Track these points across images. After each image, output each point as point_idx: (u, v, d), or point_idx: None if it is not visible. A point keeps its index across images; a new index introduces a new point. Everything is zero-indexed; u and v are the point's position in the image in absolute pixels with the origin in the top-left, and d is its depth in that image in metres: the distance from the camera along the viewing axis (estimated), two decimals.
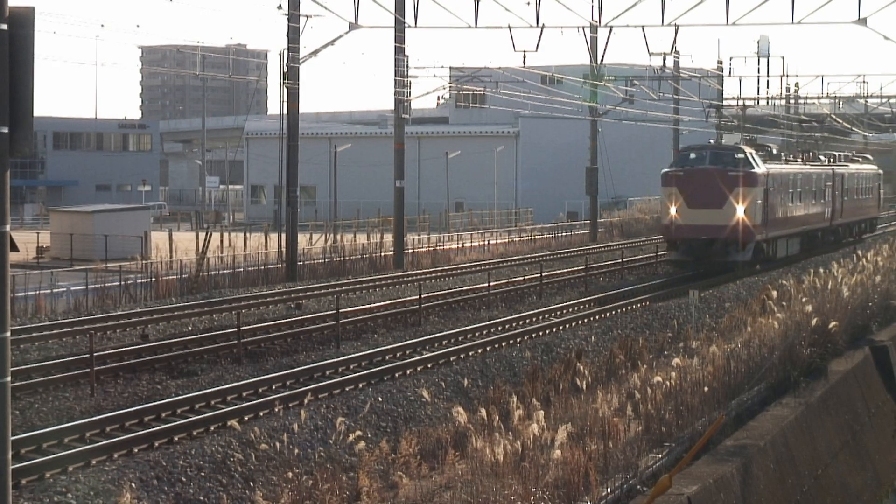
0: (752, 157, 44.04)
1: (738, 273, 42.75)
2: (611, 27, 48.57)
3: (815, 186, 53.25)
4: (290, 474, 16.07)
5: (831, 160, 60.72)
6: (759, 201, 43.62)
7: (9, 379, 9.80)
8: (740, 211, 42.69)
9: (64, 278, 43.52)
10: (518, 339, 27.98)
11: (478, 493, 15.05)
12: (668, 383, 21.17)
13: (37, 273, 43.76)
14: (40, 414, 19.99)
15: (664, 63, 66.97)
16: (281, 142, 51.59)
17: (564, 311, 33.37)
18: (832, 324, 28.66)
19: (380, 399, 21.14)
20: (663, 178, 44.39)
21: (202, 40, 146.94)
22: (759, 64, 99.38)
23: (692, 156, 44.58)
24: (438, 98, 71.07)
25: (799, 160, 54.34)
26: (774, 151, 49.36)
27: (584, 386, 21.92)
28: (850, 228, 63.37)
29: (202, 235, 48.25)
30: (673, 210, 43.38)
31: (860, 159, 69.00)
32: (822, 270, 37.96)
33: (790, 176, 48.76)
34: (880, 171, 72.36)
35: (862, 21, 42.86)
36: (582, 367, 23.11)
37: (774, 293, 33.73)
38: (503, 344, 27.05)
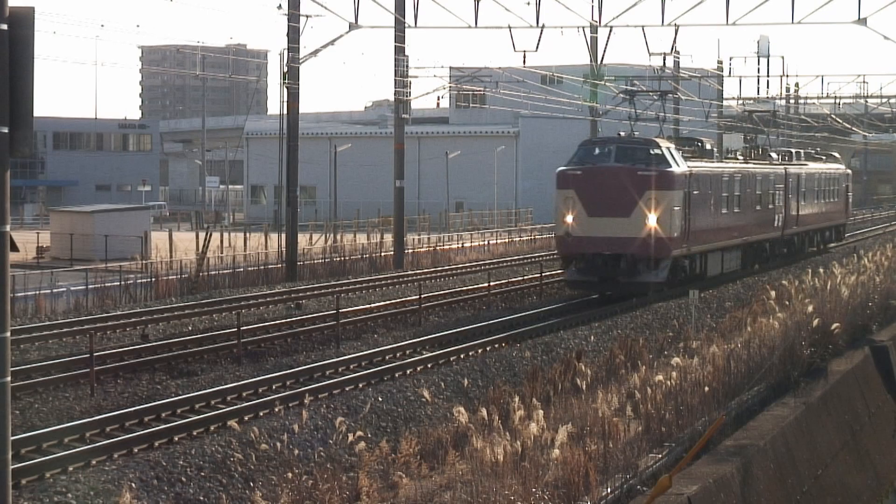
0: (671, 154, 36.21)
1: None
2: (611, 27, 48.58)
3: (761, 189, 45.53)
4: (289, 474, 16.07)
5: (786, 158, 52.72)
6: (677, 207, 35.53)
7: (9, 379, 9.79)
8: (652, 220, 34.52)
9: (64, 278, 43.52)
10: (518, 339, 27.97)
11: (478, 493, 15.05)
12: (668, 383, 21.18)
13: (37, 273, 43.78)
14: (40, 414, 19.99)
15: (664, 63, 67.05)
16: (281, 142, 51.62)
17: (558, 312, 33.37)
18: (834, 325, 28.66)
19: (380, 399, 21.13)
20: (558, 179, 36.08)
21: (202, 40, 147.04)
22: (759, 64, 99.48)
23: (595, 151, 36.26)
24: (438, 98, 70.98)
25: (739, 158, 46.81)
26: (708, 147, 41.99)
27: (584, 386, 21.91)
28: (809, 238, 55.51)
29: (202, 235, 48.25)
30: (569, 218, 35.20)
31: (823, 157, 61.07)
32: (822, 270, 37.95)
33: (722, 176, 40.86)
34: (848, 172, 63.75)
35: (862, 21, 42.85)
36: (583, 367, 23.10)
37: (774, 293, 33.74)
38: (503, 344, 27.03)
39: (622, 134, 37.18)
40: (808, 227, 53.96)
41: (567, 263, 36.02)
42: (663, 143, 36.58)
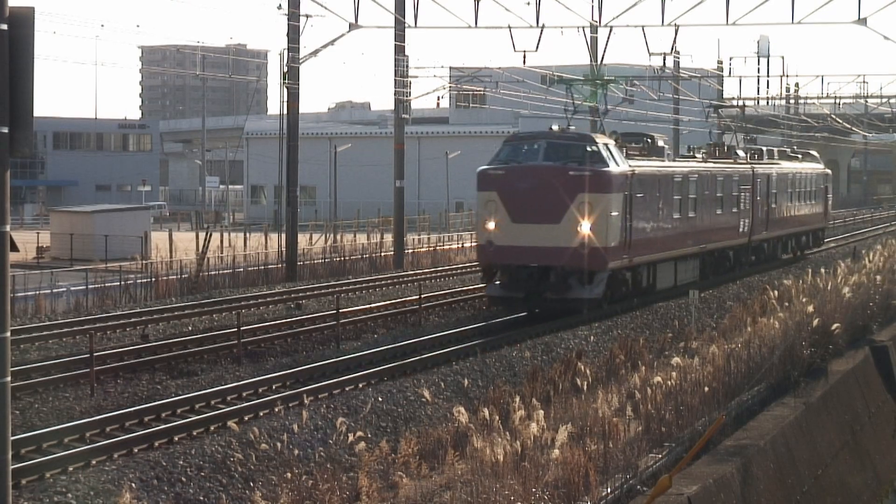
0: (609, 151, 31.73)
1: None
2: (611, 27, 48.60)
3: (723, 191, 41.04)
4: (289, 474, 16.07)
5: (756, 157, 48.15)
6: (615, 213, 31.18)
7: (9, 379, 9.80)
8: (585, 227, 30.21)
9: (64, 278, 43.52)
10: (518, 339, 27.96)
11: (478, 493, 15.05)
12: (668, 383, 21.18)
13: (37, 273, 43.77)
14: (40, 414, 19.99)
15: (664, 63, 67.06)
16: (281, 142, 51.63)
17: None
18: (834, 325, 28.66)
19: (380, 399, 21.13)
20: (479, 179, 31.60)
21: (202, 40, 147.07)
22: (759, 64, 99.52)
23: (523, 148, 31.81)
24: (438, 98, 71.00)
25: (698, 156, 42.18)
26: (660, 143, 37.29)
27: (585, 386, 21.91)
28: (782, 244, 50.75)
29: (202, 235, 48.26)
30: (491, 224, 30.80)
31: (799, 156, 55.80)
32: (823, 270, 37.94)
33: (673, 177, 36.26)
34: (827, 172, 58.58)
35: (862, 21, 42.86)
36: (583, 367, 23.10)
37: (775, 293, 33.75)
38: (503, 344, 27.02)
39: (555, 128, 32.30)
40: (781, 232, 49.56)
41: (489, 276, 31.52)
42: (601, 140, 32.06)
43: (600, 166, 30.85)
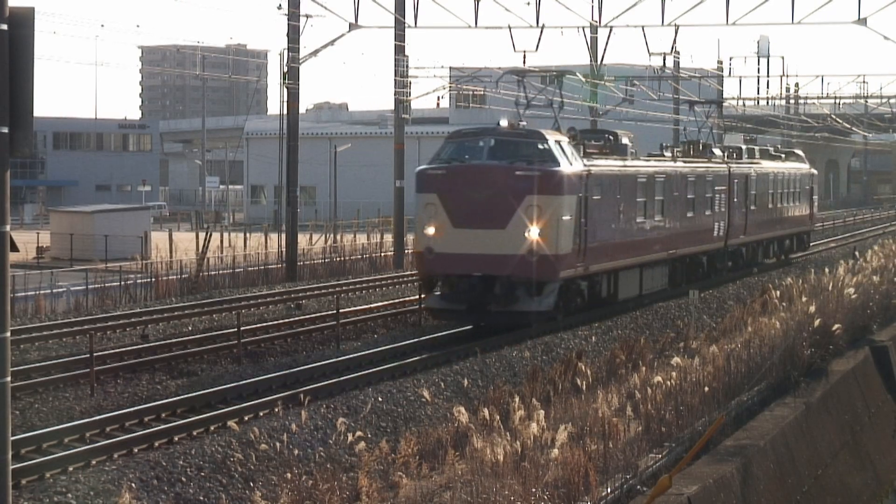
0: (562, 149, 29.01)
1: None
2: (611, 27, 48.70)
3: (695, 192, 38.17)
4: (289, 474, 16.07)
5: (734, 156, 45.19)
6: (568, 217, 28.44)
7: (9, 379, 9.80)
8: (534, 232, 27.64)
9: (64, 278, 43.52)
10: (518, 340, 27.95)
11: (478, 493, 15.06)
12: (668, 383, 21.18)
13: (37, 273, 43.77)
14: (40, 414, 20.00)
15: (664, 63, 67.06)
16: (281, 142, 51.65)
17: None
18: (836, 326, 28.66)
19: (380, 399, 21.13)
20: (418, 180, 28.95)
21: (202, 40, 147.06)
22: (759, 64, 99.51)
23: (466, 145, 29.22)
24: (438, 98, 70.94)
25: (667, 155, 38.76)
26: (624, 141, 34.19)
27: (585, 386, 21.91)
28: (763, 248, 47.68)
29: (202, 235, 48.26)
30: (431, 230, 28.15)
31: (782, 156, 52.42)
32: (827, 270, 37.92)
33: (637, 177, 33.45)
34: (813, 172, 55.38)
35: (862, 21, 42.90)
36: (583, 367, 23.10)
37: (777, 293, 33.75)
38: (503, 344, 27.02)
39: (503, 124, 29.59)
40: (762, 235, 46.60)
41: (428, 287, 29.01)
42: (553, 136, 29.31)
43: (551, 165, 28.25)
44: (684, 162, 38.61)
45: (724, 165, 41.99)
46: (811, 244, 55.81)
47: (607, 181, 31.17)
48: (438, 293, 28.67)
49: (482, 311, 27.96)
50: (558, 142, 29.22)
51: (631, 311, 32.61)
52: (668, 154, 38.83)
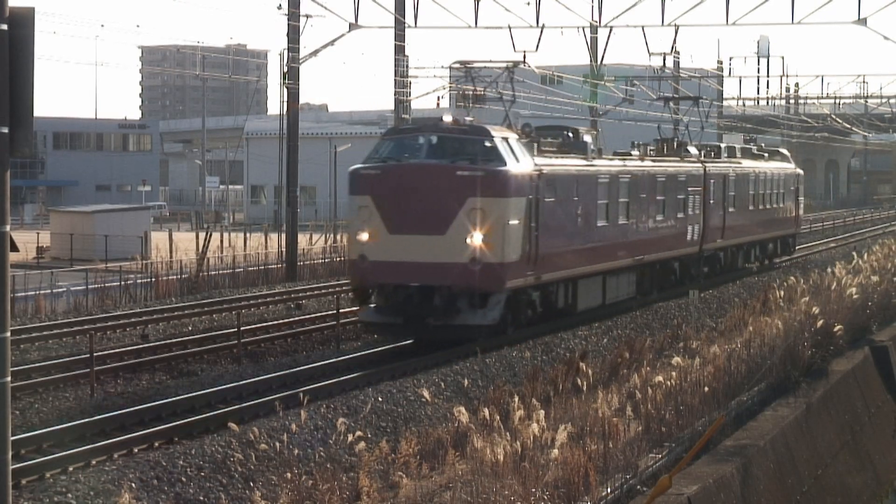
0: (509, 147, 26.74)
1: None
2: (611, 27, 48.74)
3: (664, 193, 35.82)
4: (289, 474, 16.07)
5: (712, 154, 42.96)
6: (516, 221, 26.16)
7: (9, 379, 9.80)
8: (477, 238, 25.32)
9: (64, 278, 43.52)
10: (518, 339, 27.95)
11: (478, 493, 15.06)
12: (668, 383, 21.18)
13: (37, 273, 43.76)
14: (40, 414, 20.00)
15: (664, 63, 67.07)
16: (281, 142, 51.64)
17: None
18: (837, 327, 28.66)
19: (380, 399, 21.14)
20: (351, 181, 26.77)
21: (202, 40, 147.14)
22: (759, 64, 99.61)
23: (404, 142, 26.94)
24: (438, 98, 70.91)
25: (634, 154, 36.24)
26: (586, 139, 31.81)
27: (585, 386, 21.91)
28: (743, 253, 45.50)
29: (202, 235, 48.27)
30: (364, 236, 25.93)
31: (765, 155, 49.77)
32: (828, 270, 37.90)
33: (597, 178, 31.03)
34: (799, 172, 53.21)
35: (862, 21, 42.92)
36: (584, 367, 23.09)
37: (779, 293, 33.73)
38: (503, 344, 27.02)
39: (447, 119, 27.31)
40: (741, 239, 44.32)
41: (362, 298, 26.65)
42: (499, 133, 27.01)
43: (496, 165, 25.92)
44: (653, 161, 36.52)
45: (699, 165, 39.80)
46: (797, 247, 54.03)
47: (562, 182, 28.87)
48: (374, 305, 26.39)
49: (421, 325, 25.74)
50: (505, 139, 26.91)
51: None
52: (635, 153, 36.47)
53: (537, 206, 27.00)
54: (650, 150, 38.33)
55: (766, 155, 49.38)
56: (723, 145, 45.31)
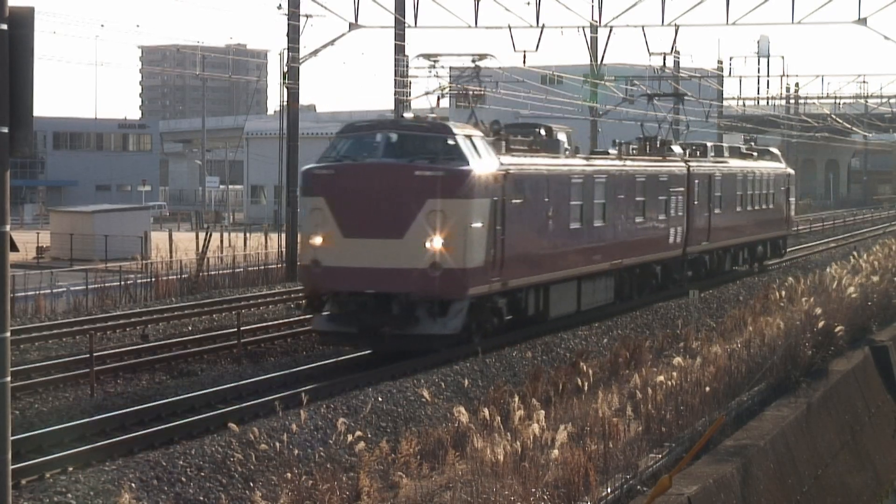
0: (472, 145, 25.20)
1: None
2: (611, 27, 48.72)
3: (645, 194, 34.34)
4: (289, 474, 16.07)
5: (697, 154, 41.31)
6: (479, 224, 24.69)
7: (9, 379, 9.79)
8: (437, 242, 23.99)
9: (64, 278, 43.53)
10: (518, 339, 27.95)
11: (478, 493, 15.06)
12: (668, 383, 21.19)
13: (37, 273, 43.77)
14: (40, 414, 20.00)
15: (664, 63, 67.10)
16: (281, 142, 51.63)
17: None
18: (838, 328, 28.67)
19: (380, 399, 21.14)
20: (303, 181, 26.06)
21: (202, 40, 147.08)
22: (759, 64, 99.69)
23: (361, 140, 25.42)
24: (438, 98, 70.91)
25: (612, 152, 35.26)
26: (560, 137, 30.35)
27: (586, 386, 21.91)
28: (731, 256, 43.96)
29: (202, 235, 48.27)
30: (317, 239, 24.58)
31: (754, 154, 48.22)
32: (828, 270, 37.89)
33: (570, 178, 29.48)
34: (789, 172, 51.43)
35: (862, 21, 42.91)
36: (585, 367, 23.09)
37: (781, 293, 33.72)
38: (504, 344, 27.02)
39: (408, 116, 26.51)
40: (728, 242, 42.82)
41: (315, 306, 25.02)
42: (462, 130, 25.49)
43: (458, 164, 24.45)
44: (632, 160, 34.96)
45: (683, 164, 38.21)
46: (789, 249, 52.69)
47: (531, 182, 27.32)
48: (328, 313, 24.79)
49: (377, 335, 24.35)
50: (469, 136, 25.34)
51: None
52: (613, 151, 34.98)
53: (503, 207, 25.59)
54: (633, 149, 37.21)
55: (755, 154, 48.11)
56: (709, 144, 43.98)
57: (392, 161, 24.53)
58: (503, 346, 26.68)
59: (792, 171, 51.93)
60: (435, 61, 32.32)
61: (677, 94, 46.32)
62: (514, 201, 26.17)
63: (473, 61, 31.56)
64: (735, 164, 43.90)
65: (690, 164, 38.86)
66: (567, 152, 30.45)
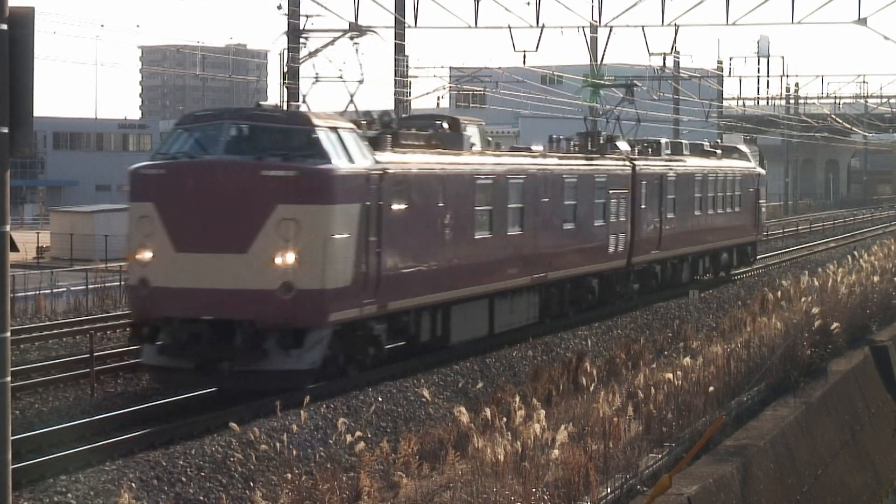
0: (339, 140, 20.93)
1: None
2: (611, 27, 48.71)
3: (577, 197, 30.38)
4: (289, 474, 16.07)
5: (648, 151, 37.44)
6: (346, 234, 20.59)
7: (9, 379, 9.79)
8: (289, 257, 19.80)
9: (64, 278, 43.52)
10: (518, 339, 27.91)
11: (478, 493, 15.06)
12: (668, 384, 21.19)
13: (37, 273, 43.77)
14: (40, 414, 19.99)
15: (664, 63, 67.15)
16: None
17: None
18: (834, 325, 28.67)
19: (380, 399, 21.14)
20: (131, 184, 21.08)
21: (202, 40, 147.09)
22: (759, 64, 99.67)
23: (198, 133, 20.94)
24: (438, 98, 71.01)
25: (536, 149, 30.59)
26: (467, 132, 26.32)
27: (586, 386, 21.92)
28: (689, 265, 39.19)
29: None
30: (146, 254, 20.25)
31: (718, 151, 43.85)
32: (828, 270, 37.89)
33: (468, 179, 25.16)
34: (759, 171, 46.56)
35: (862, 21, 42.89)
36: (588, 367, 23.08)
37: (779, 293, 33.73)
38: (504, 344, 27.00)
39: (264, 105, 23.06)
40: (684, 249, 38.14)
41: (144, 335, 20.50)
42: (325, 122, 21.04)
43: (316, 162, 20.26)
44: (560, 158, 30.62)
45: (627, 163, 33.99)
46: (758, 256, 48.21)
47: (419, 184, 23.10)
48: (159, 343, 20.31)
49: (216, 372, 20.05)
50: (334, 129, 21.02)
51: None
52: (537, 148, 30.88)
53: (379, 214, 21.42)
54: (574, 145, 33.19)
55: (718, 152, 43.74)
56: (664, 141, 39.88)
57: (235, 158, 20.27)
58: (503, 346, 26.55)
59: (762, 171, 47.32)
60: (307, 38, 27.62)
61: (629, 84, 43.04)
62: (395, 207, 22.11)
63: (350, 37, 28.13)
64: (693, 162, 39.64)
65: (637, 162, 34.70)
66: (474, 149, 26.49)
